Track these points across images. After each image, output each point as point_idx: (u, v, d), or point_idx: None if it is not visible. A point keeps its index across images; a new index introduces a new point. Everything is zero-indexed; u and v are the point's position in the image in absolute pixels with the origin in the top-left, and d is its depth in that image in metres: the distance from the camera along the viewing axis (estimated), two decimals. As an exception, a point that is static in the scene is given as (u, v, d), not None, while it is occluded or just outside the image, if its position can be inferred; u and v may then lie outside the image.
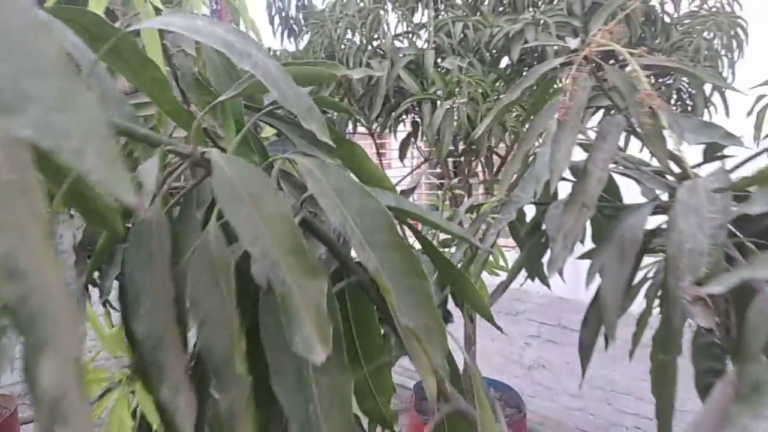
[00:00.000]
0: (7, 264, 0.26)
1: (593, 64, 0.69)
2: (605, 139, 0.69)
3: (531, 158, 0.83)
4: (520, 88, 0.73)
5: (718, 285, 0.50)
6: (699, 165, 0.79)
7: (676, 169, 0.76)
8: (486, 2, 2.12)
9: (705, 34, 2.07)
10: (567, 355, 3.34)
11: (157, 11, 0.79)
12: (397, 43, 2.12)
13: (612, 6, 0.91)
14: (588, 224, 0.96)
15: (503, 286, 0.90)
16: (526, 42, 1.82)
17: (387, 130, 2.24)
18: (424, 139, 2.12)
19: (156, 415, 0.66)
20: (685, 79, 2.11)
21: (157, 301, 0.35)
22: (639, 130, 0.66)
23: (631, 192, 0.93)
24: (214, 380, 0.35)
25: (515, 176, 0.96)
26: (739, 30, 2.01)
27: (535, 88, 0.77)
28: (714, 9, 2.15)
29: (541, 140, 0.81)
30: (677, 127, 0.64)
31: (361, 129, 2.53)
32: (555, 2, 2.02)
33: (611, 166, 0.83)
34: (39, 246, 0.27)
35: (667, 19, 2.22)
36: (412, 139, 2.28)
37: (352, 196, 0.37)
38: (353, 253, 0.42)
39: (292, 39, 4.00)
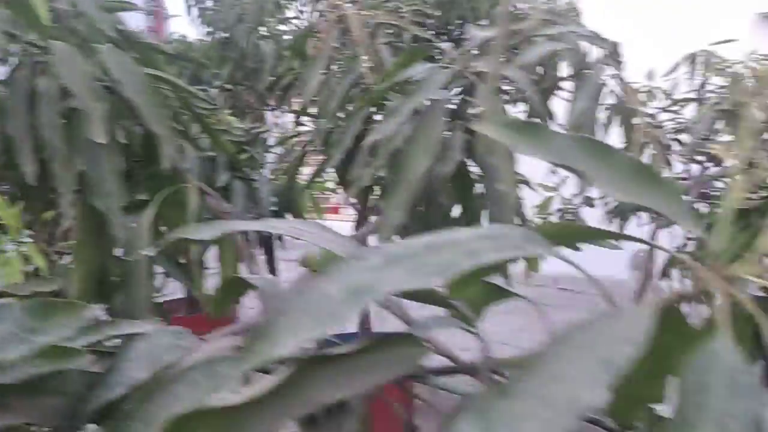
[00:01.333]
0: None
1: (340, 23, 1.04)
2: (351, 71, 1.04)
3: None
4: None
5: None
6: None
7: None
8: (360, -7, 2.48)
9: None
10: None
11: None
12: (285, 27, 2.46)
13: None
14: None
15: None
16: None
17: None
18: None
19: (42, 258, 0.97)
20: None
21: (17, 118, 0.68)
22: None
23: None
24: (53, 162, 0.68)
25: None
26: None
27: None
28: None
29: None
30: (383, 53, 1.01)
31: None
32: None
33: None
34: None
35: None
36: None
37: (130, 66, 0.71)
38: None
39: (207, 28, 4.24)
